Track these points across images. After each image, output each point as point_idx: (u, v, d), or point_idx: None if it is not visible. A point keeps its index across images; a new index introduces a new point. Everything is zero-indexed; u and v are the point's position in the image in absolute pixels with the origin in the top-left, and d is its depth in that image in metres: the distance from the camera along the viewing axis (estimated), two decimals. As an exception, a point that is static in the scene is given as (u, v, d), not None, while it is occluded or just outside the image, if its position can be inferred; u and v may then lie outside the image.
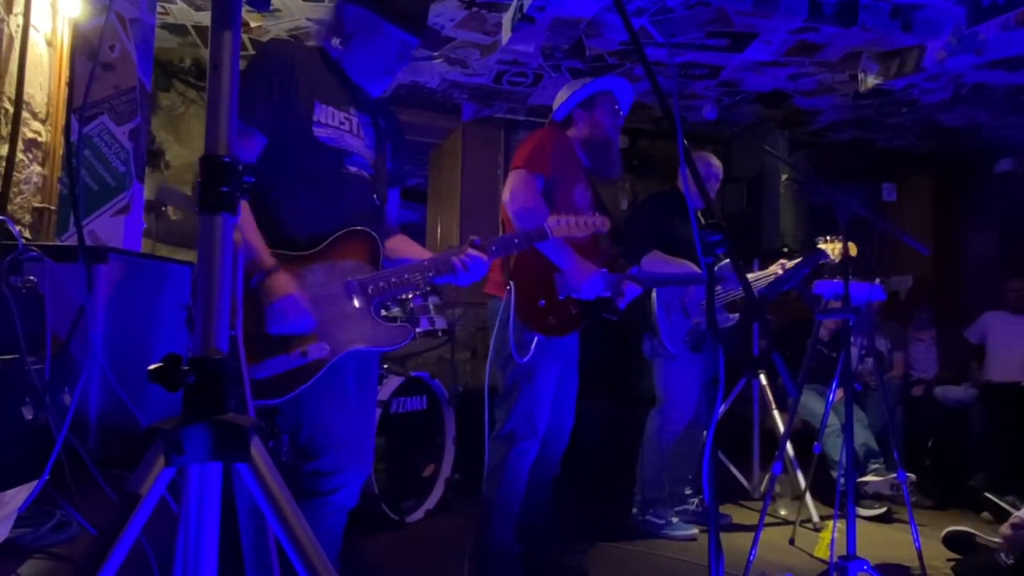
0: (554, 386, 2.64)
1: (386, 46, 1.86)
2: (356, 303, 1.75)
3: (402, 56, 1.90)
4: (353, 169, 1.82)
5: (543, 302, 2.57)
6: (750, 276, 3.40)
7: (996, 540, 2.92)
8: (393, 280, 1.80)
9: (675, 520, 3.40)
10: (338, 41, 1.87)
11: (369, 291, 1.77)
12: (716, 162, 3.71)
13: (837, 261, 2.93)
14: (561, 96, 2.89)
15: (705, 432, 3.69)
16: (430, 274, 1.87)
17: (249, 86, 1.67)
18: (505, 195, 2.56)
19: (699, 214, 3.04)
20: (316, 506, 1.75)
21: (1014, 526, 2.77)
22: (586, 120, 2.80)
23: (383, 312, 1.90)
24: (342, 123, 1.81)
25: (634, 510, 3.48)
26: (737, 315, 3.43)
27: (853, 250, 2.82)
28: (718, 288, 3.27)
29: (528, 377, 2.56)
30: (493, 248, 1.98)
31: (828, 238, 2.97)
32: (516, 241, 2.11)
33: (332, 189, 1.78)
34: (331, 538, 1.83)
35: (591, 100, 2.81)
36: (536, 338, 2.55)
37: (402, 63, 1.92)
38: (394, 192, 2.06)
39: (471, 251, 1.91)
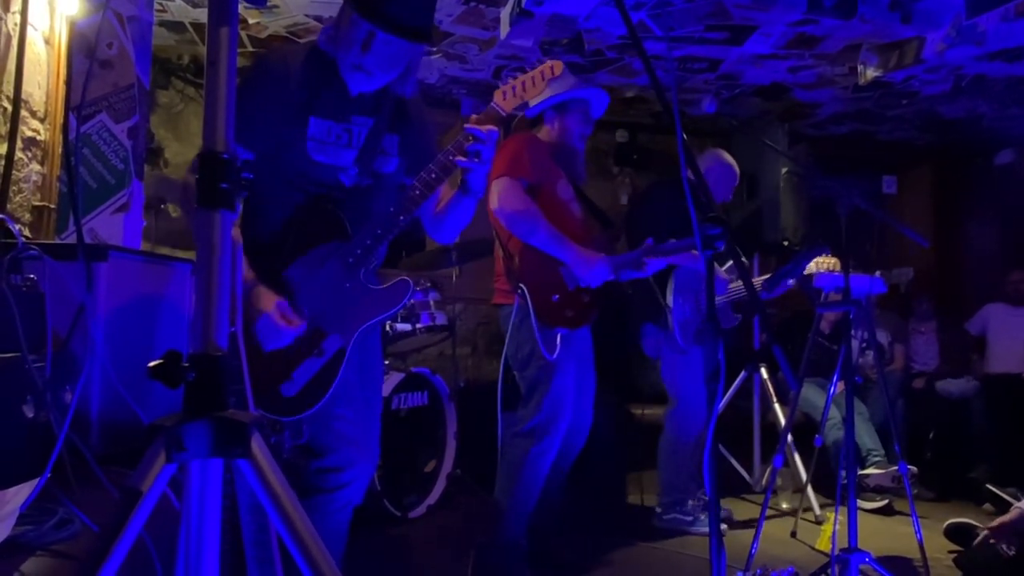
0: (574, 382, 2.67)
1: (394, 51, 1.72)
2: (343, 281, 1.71)
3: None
4: (349, 185, 1.78)
5: (556, 297, 2.62)
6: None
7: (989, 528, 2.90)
8: (368, 242, 1.70)
9: (703, 516, 3.34)
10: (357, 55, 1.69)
11: (350, 263, 1.71)
12: (729, 159, 3.60)
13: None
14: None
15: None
16: (417, 192, 1.70)
17: (239, 101, 1.61)
18: (494, 203, 2.56)
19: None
20: (322, 503, 1.74)
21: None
22: (555, 123, 2.83)
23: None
24: (340, 137, 1.76)
25: (658, 510, 3.43)
26: (741, 316, 3.39)
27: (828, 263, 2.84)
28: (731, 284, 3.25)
29: (550, 374, 2.59)
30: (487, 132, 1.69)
31: (826, 255, 2.93)
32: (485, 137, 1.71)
33: (322, 202, 1.75)
34: (337, 535, 1.82)
35: (565, 105, 2.82)
36: (560, 333, 2.60)
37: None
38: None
39: (472, 127, 1.65)
